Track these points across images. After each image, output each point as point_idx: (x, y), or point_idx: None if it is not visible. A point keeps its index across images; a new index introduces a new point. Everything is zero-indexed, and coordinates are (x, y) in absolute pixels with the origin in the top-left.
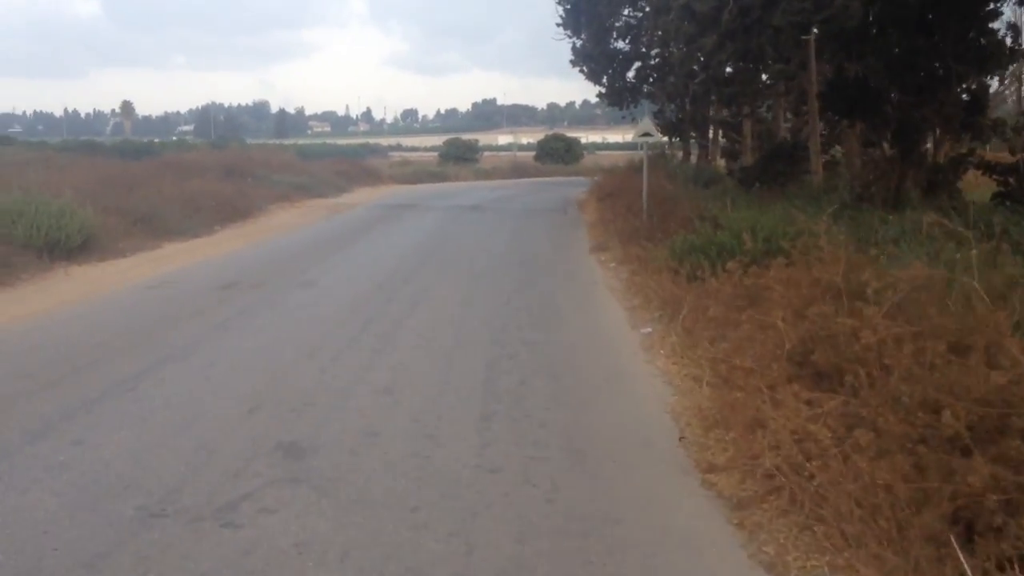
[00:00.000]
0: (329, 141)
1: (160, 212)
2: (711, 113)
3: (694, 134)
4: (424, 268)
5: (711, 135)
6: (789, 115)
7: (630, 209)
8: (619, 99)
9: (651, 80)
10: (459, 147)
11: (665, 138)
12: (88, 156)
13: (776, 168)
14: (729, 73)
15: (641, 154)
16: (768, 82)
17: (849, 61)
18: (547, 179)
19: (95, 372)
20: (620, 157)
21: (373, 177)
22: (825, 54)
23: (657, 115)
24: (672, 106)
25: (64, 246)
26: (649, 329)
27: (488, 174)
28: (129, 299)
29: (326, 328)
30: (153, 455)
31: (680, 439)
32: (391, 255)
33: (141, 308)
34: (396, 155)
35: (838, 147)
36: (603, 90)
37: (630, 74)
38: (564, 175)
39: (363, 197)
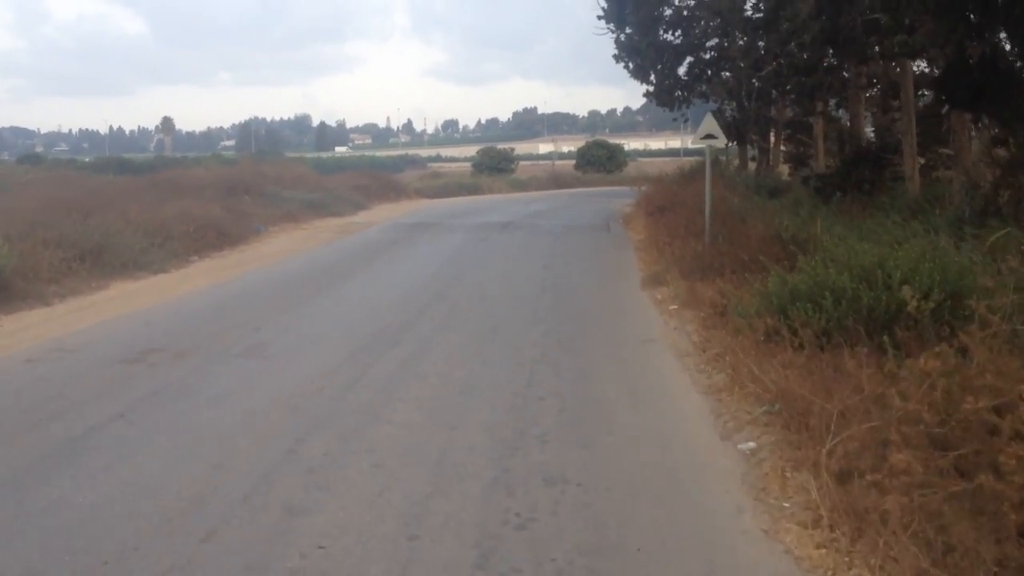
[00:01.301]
0: (369, 153)
1: (116, 243)
2: (773, 113)
3: (755, 137)
4: (424, 319)
5: (772, 138)
6: (868, 114)
7: (688, 229)
8: (669, 99)
9: (706, 76)
10: (493, 157)
11: (728, 142)
12: (114, 174)
13: (860, 175)
14: (806, 62)
15: (691, 161)
16: (848, 74)
17: (971, 39)
18: (588, 189)
19: None
20: (665, 164)
21: (396, 191)
22: (938, 33)
23: (714, 115)
24: (732, 105)
25: None
26: (752, 444)
27: (524, 185)
28: None
29: (230, 451)
30: None
31: None
32: (387, 297)
33: None
34: (435, 166)
35: (939, 149)
36: (651, 88)
37: (681, 70)
38: (606, 184)
39: (381, 215)
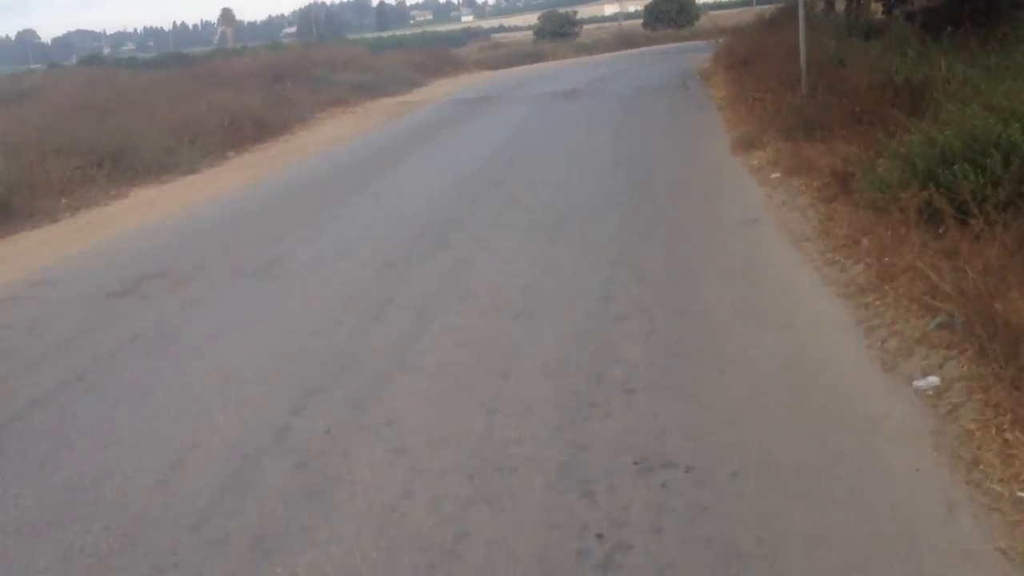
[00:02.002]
0: (430, 29)
1: (138, 144)
2: None
3: None
4: (477, 212)
5: None
6: None
7: (781, 80)
8: None
9: None
10: (555, 21)
11: None
12: (170, 70)
13: (974, 5)
14: None
15: (770, 8)
16: None
17: None
18: (659, 47)
19: None
20: (740, 15)
21: (454, 66)
22: None
23: None
24: None
25: None
26: (934, 380)
27: (590, 49)
28: None
29: (203, 433)
30: None
31: None
32: (435, 187)
33: None
34: (499, 36)
35: None
36: None
37: None
38: (678, 41)
39: (437, 92)
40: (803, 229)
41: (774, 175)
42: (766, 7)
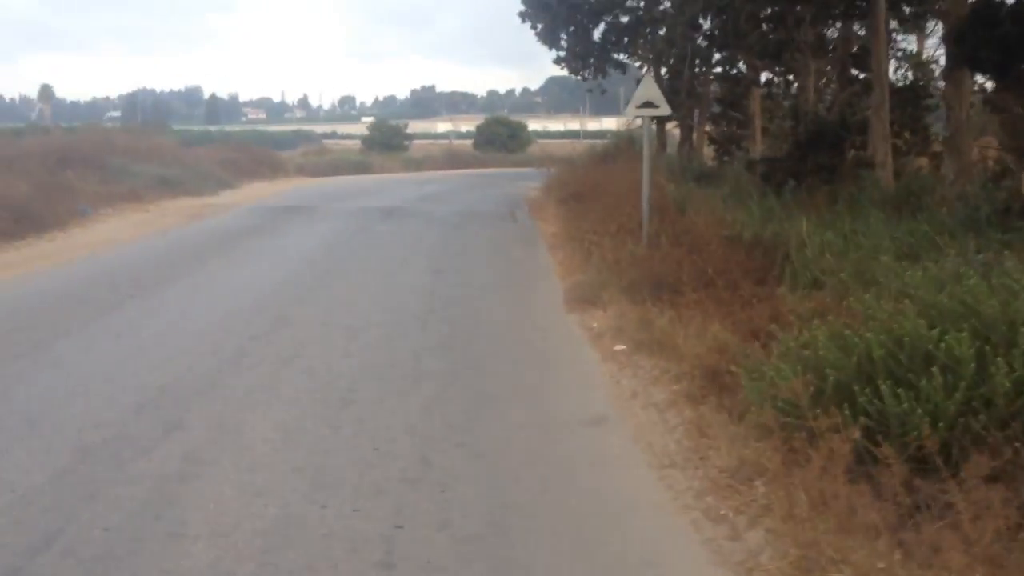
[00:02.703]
0: (261, 128)
1: None
2: (698, 88)
3: (683, 113)
4: (239, 368)
5: (696, 116)
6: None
7: (619, 223)
8: (582, 64)
9: (623, 43)
10: (386, 132)
11: (666, 111)
12: None
13: (818, 159)
14: (771, 13)
15: (603, 141)
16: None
17: None
18: (488, 170)
19: None
20: (569, 146)
21: (272, 168)
22: None
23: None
24: (663, 72)
25: None
26: None
27: (419, 164)
28: None
29: None
30: None
31: None
32: (202, 323)
33: None
34: (330, 142)
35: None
36: (561, 54)
37: (596, 33)
38: (508, 165)
39: (248, 195)
40: (667, 444)
41: (618, 347)
42: (592, 141)
